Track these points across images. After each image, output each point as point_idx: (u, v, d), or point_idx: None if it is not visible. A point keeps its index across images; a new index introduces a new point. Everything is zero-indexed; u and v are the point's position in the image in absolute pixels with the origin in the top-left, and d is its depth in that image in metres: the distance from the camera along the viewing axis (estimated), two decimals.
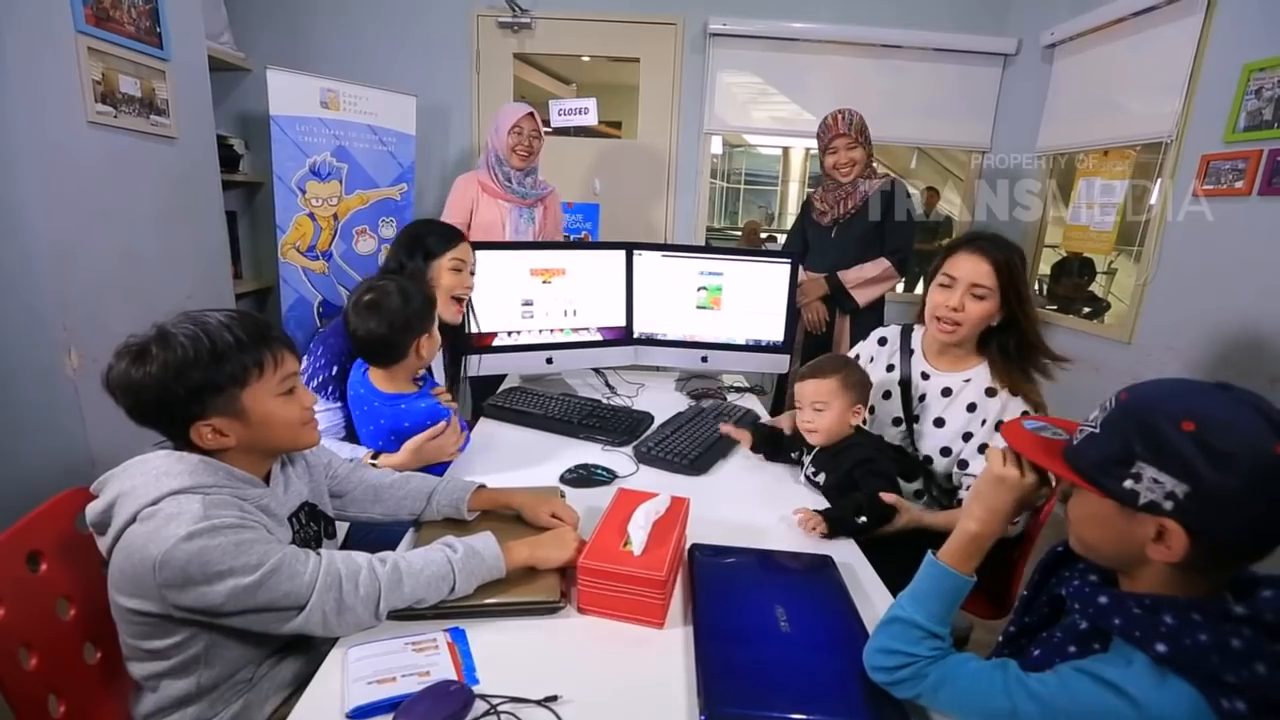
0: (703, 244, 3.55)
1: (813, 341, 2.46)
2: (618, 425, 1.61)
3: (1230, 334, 2.14)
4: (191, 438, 0.86)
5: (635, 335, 1.98)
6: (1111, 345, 2.62)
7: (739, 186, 7.51)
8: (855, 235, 2.36)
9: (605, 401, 1.80)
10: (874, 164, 2.43)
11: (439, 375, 1.67)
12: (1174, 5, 2.39)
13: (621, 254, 1.93)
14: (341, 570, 0.84)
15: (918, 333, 1.49)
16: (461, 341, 1.73)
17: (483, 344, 1.79)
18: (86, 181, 1.82)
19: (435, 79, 3.21)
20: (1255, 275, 2.05)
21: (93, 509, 0.84)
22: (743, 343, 1.96)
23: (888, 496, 1.19)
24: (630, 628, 0.90)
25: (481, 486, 1.15)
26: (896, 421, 1.45)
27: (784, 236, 3.80)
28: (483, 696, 0.75)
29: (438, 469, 1.32)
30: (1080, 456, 0.68)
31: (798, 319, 2.40)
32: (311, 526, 1.02)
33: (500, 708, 0.74)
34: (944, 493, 1.42)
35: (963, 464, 1.34)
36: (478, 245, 1.66)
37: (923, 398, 1.42)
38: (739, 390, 2.05)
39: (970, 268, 1.30)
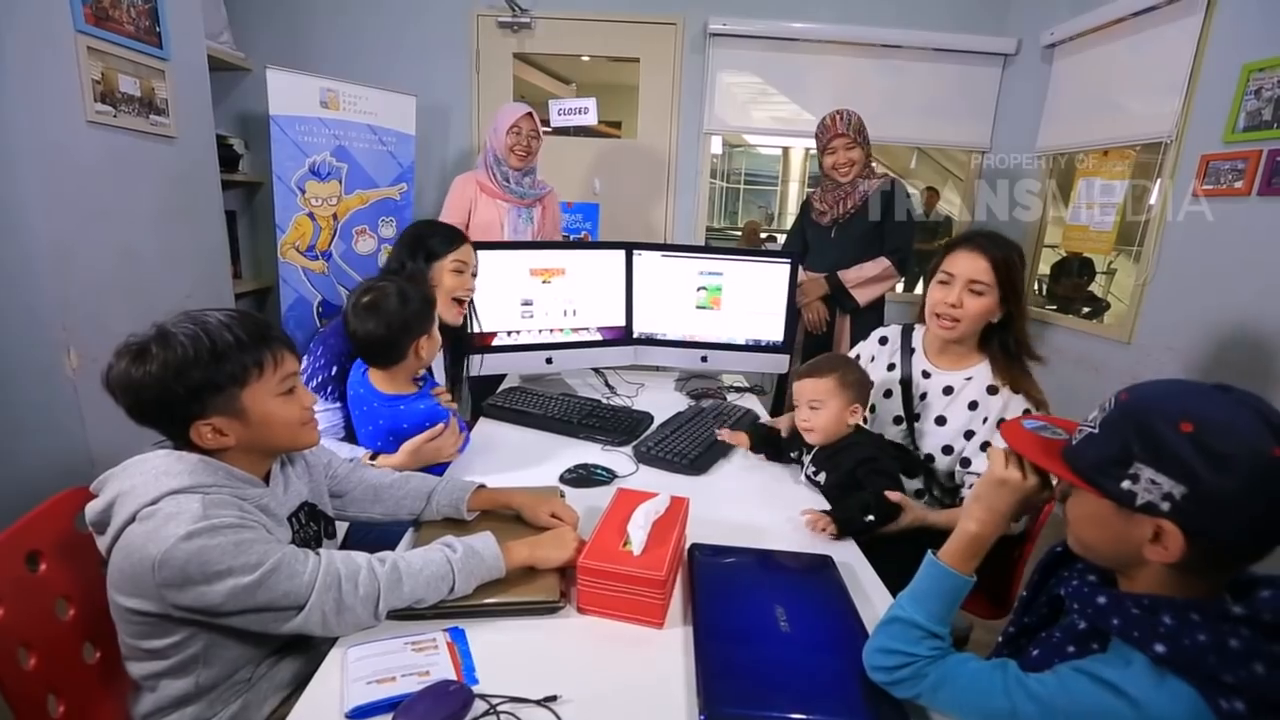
0: (702, 244, 3.55)
1: (813, 341, 2.46)
2: (617, 425, 1.61)
3: (1230, 334, 2.14)
4: (191, 437, 0.86)
5: (635, 335, 1.98)
6: (1111, 345, 2.62)
7: (739, 186, 7.52)
8: (855, 235, 2.36)
9: (605, 401, 1.80)
10: (873, 164, 2.43)
11: (439, 376, 1.67)
12: (1174, 5, 2.39)
13: (621, 254, 1.93)
14: (341, 570, 0.84)
15: (918, 332, 1.49)
16: (463, 342, 1.73)
17: (482, 344, 1.79)
18: (86, 181, 1.82)
19: (435, 79, 3.20)
20: (1255, 275, 2.05)
21: (92, 508, 0.84)
22: (742, 343, 1.96)
23: (893, 495, 1.19)
24: (630, 627, 0.90)
25: (481, 486, 1.15)
26: (898, 420, 1.45)
27: (784, 236, 3.80)
28: (482, 696, 0.75)
29: (437, 469, 1.32)
30: (1079, 457, 0.68)
31: (798, 319, 2.40)
32: (311, 526, 1.02)
33: (500, 707, 0.74)
34: (945, 491, 1.42)
35: (965, 462, 1.34)
36: (478, 245, 1.66)
37: (924, 396, 1.42)
38: (739, 390, 2.05)
39: (968, 264, 1.31)
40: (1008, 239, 1.35)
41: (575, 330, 1.93)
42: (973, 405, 1.35)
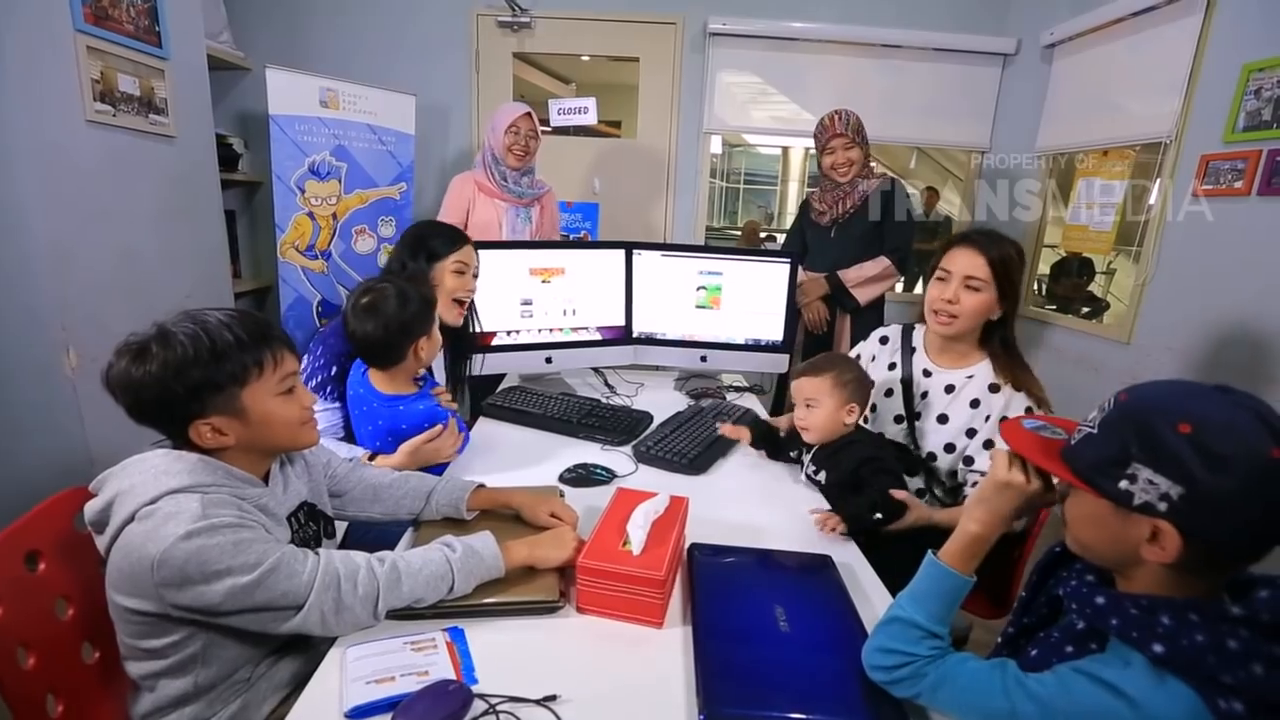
0: (702, 243, 3.55)
1: (813, 341, 2.46)
2: (617, 425, 1.61)
3: (1229, 334, 2.14)
4: (190, 437, 0.86)
5: (634, 335, 1.98)
6: (1110, 345, 2.62)
7: (738, 186, 7.52)
8: (855, 235, 2.36)
9: (604, 401, 1.80)
10: (872, 164, 2.43)
11: (439, 376, 1.67)
12: (1173, 5, 2.39)
13: (621, 253, 1.93)
14: (340, 570, 0.84)
15: (919, 331, 1.50)
16: (464, 343, 1.73)
17: (482, 343, 1.79)
18: (85, 181, 1.82)
19: (434, 78, 3.20)
20: (1254, 275, 2.05)
21: (91, 508, 0.84)
22: (742, 342, 1.96)
23: (898, 493, 1.19)
24: (629, 627, 0.90)
25: (480, 486, 1.15)
26: (899, 419, 1.45)
27: (783, 236, 3.80)
28: (481, 696, 0.75)
29: (436, 469, 1.32)
30: (1077, 457, 0.68)
31: (797, 319, 2.40)
32: (310, 526, 1.02)
33: (499, 707, 0.74)
34: (946, 491, 1.42)
35: (968, 460, 1.34)
36: (479, 245, 1.66)
37: (925, 395, 1.42)
38: (738, 390, 2.05)
39: (965, 261, 1.32)
40: (1007, 237, 1.35)
41: (575, 330, 1.93)
42: (974, 403, 1.35)
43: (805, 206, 2.56)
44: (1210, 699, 0.58)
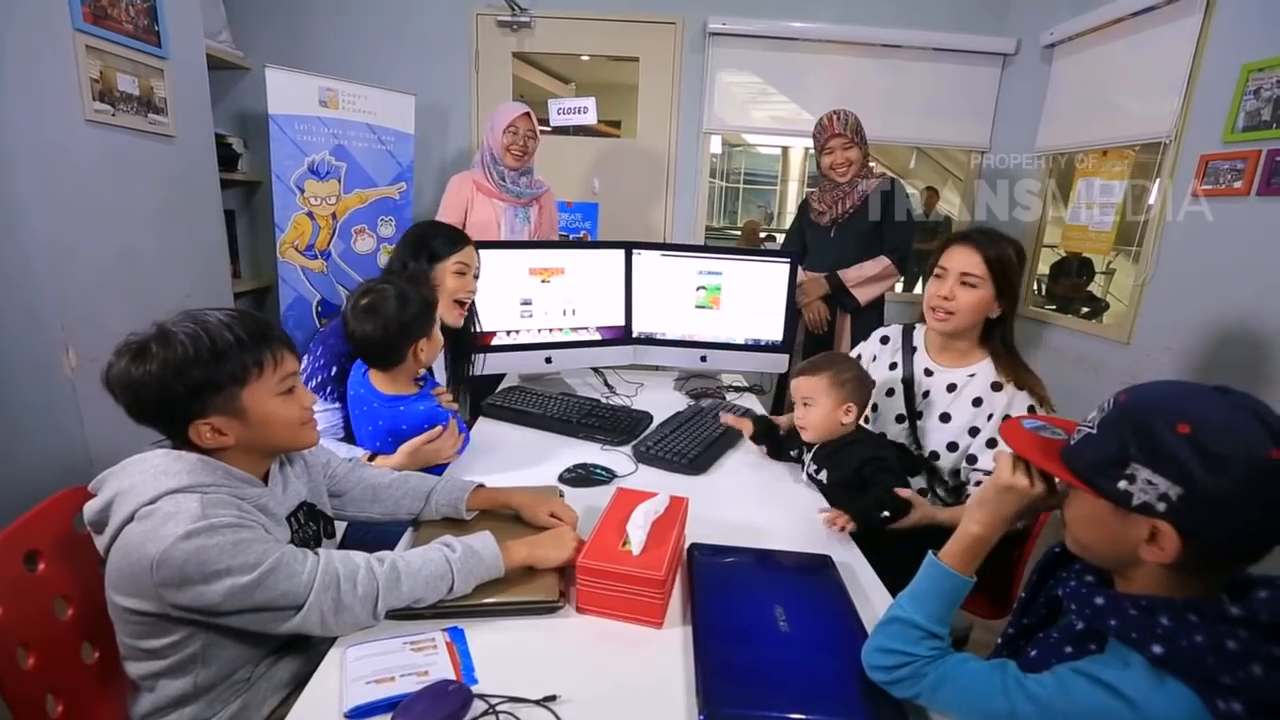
0: (702, 243, 3.55)
1: (814, 341, 2.46)
2: (617, 425, 1.61)
3: (1229, 334, 2.14)
4: (190, 436, 0.86)
5: (634, 335, 1.98)
6: (1110, 345, 2.62)
7: (738, 186, 7.52)
8: (854, 235, 2.36)
9: (604, 401, 1.80)
10: (871, 163, 2.43)
11: (440, 376, 1.67)
12: (1173, 5, 2.39)
13: (620, 253, 1.93)
14: (339, 570, 0.84)
15: (920, 330, 1.50)
16: (465, 343, 1.73)
17: (482, 343, 1.79)
18: (84, 180, 1.82)
19: (434, 78, 3.20)
20: (1254, 275, 2.05)
21: (90, 508, 0.84)
22: (742, 342, 1.96)
23: (903, 492, 1.20)
24: (629, 627, 0.90)
25: (480, 486, 1.15)
26: (900, 419, 1.45)
27: (783, 236, 3.80)
28: (481, 696, 0.75)
29: (436, 470, 1.32)
30: (1077, 457, 0.68)
31: (798, 318, 2.41)
32: (310, 526, 1.02)
33: (499, 707, 0.74)
34: (949, 490, 1.42)
35: (971, 459, 1.34)
36: (479, 245, 1.66)
37: (926, 394, 1.42)
38: (738, 390, 2.05)
39: (961, 258, 1.32)
40: (1006, 235, 1.35)
41: (574, 330, 1.93)
42: (977, 402, 1.35)
43: (805, 206, 2.55)
44: (1209, 699, 0.58)
